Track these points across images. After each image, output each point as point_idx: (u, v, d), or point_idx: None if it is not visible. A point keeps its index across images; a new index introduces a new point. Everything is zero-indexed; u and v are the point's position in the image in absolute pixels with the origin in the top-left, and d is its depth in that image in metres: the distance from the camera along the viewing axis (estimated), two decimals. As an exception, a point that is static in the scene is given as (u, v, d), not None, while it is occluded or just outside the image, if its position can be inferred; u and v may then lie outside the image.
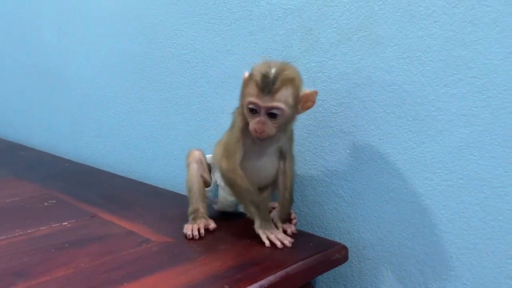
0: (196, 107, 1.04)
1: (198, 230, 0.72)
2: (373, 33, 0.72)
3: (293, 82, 0.65)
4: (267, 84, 0.63)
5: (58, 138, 1.56)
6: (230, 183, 0.71)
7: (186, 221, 0.75)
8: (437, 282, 0.68)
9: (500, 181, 0.61)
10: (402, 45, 0.69)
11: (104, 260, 0.62)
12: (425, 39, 0.66)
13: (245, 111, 0.67)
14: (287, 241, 0.68)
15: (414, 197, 0.70)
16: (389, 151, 0.72)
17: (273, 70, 0.64)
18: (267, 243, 0.68)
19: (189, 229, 0.72)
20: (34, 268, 0.59)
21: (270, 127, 0.65)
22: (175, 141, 1.11)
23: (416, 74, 0.68)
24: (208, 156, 0.81)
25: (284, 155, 0.74)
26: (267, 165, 0.73)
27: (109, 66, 1.30)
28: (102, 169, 1.27)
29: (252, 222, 0.71)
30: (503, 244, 0.62)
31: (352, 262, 0.78)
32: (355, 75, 0.75)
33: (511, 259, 0.61)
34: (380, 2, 0.70)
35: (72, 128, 1.49)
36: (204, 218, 0.75)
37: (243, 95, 0.68)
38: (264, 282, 0.57)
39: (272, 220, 0.74)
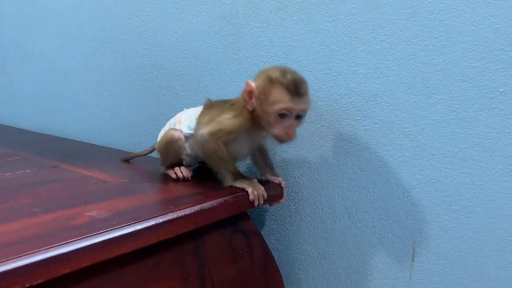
0: (152, 74, 1.12)
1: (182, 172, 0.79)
2: (305, 0, 0.82)
3: (308, 85, 0.71)
4: (298, 89, 0.68)
5: (20, 111, 1.60)
6: (210, 151, 0.73)
7: (143, 171, 0.84)
8: (358, 214, 0.80)
9: (406, 123, 0.73)
10: (328, 10, 0.79)
11: (64, 193, 0.70)
12: (346, 4, 0.77)
13: (271, 118, 0.69)
14: (262, 199, 0.73)
15: (338, 142, 0.80)
16: (318, 104, 0.82)
17: (293, 75, 0.68)
18: (251, 196, 0.72)
19: (177, 171, 0.79)
20: (0, 197, 0.66)
21: (296, 129, 0.71)
22: (134, 107, 1.18)
23: (340, 35, 0.78)
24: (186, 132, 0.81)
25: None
26: (245, 153, 0.79)
27: (70, 39, 1.36)
28: (64, 137, 1.33)
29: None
30: (409, 176, 0.73)
31: (289, 204, 0.89)
32: (291, 38, 0.85)
33: (416, 188, 0.73)
34: (311, -27, 0.81)
35: (35, 102, 1.53)
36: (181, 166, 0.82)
37: (268, 103, 0.69)
38: (205, 205, 0.66)
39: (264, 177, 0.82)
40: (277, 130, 0.70)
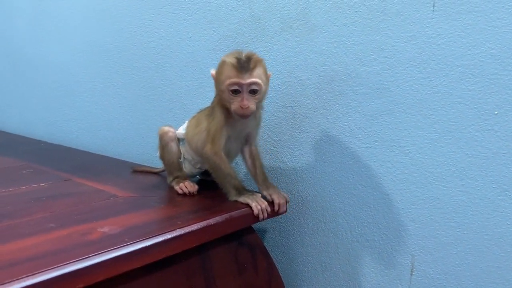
0: (161, 89, 1.16)
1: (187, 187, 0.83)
2: (308, 21, 0.85)
3: (262, 62, 0.75)
4: (244, 64, 0.71)
5: (32, 122, 1.65)
6: (214, 167, 0.78)
7: (151, 184, 0.87)
8: (359, 228, 0.82)
9: (405, 141, 0.75)
10: (331, 31, 0.82)
11: (77, 207, 0.73)
12: (348, 26, 0.80)
13: (226, 95, 0.73)
14: (266, 213, 0.76)
15: (340, 158, 0.83)
16: (321, 121, 0.85)
17: (244, 54, 0.73)
18: (255, 211, 0.75)
19: (183, 187, 0.83)
20: (16, 212, 0.70)
21: (252, 103, 0.73)
22: (143, 120, 1.22)
23: (341, 56, 0.81)
24: (178, 132, 0.88)
25: (250, 141, 0.84)
26: (236, 147, 0.83)
27: (80, 53, 1.40)
28: (76, 148, 1.37)
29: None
30: (408, 193, 0.76)
31: (293, 218, 0.91)
32: (295, 57, 0.88)
33: (415, 205, 0.75)
34: (314, -4, 0.84)
35: (46, 113, 1.58)
36: (187, 180, 0.85)
37: (221, 82, 0.74)
38: (211, 221, 0.69)
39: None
40: (233, 105, 0.73)
